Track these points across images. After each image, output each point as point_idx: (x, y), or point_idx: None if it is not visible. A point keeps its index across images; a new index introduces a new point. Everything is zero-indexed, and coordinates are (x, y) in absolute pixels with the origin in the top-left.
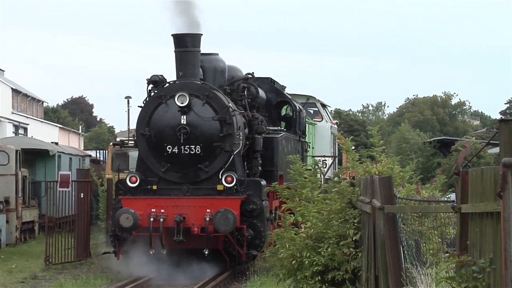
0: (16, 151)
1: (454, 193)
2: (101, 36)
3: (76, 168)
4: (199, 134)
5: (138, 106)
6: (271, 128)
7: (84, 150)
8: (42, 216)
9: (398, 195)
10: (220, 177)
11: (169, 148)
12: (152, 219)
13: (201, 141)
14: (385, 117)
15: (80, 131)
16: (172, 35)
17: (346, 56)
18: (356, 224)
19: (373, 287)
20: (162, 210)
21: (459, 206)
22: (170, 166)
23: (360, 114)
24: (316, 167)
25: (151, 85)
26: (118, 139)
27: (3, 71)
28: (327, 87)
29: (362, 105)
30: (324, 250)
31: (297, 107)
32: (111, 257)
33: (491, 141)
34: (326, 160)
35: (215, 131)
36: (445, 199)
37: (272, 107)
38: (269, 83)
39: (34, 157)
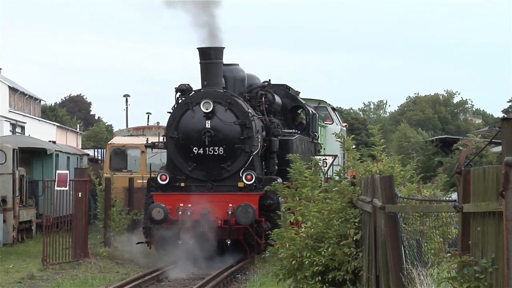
0: (13, 150)
1: (456, 193)
2: (99, 34)
3: (74, 167)
4: (222, 137)
5: (167, 112)
6: (286, 130)
7: (82, 149)
8: (39, 215)
9: (399, 195)
10: (240, 175)
11: (195, 149)
12: (180, 212)
13: (223, 143)
14: (386, 116)
15: (78, 129)
16: (197, 48)
17: (347, 53)
18: (356, 224)
19: (374, 287)
20: (189, 205)
21: (461, 205)
22: (196, 165)
23: (361, 112)
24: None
25: (178, 93)
26: (115, 138)
27: (0, 69)
28: (328, 85)
29: (363, 103)
30: (325, 250)
31: (310, 111)
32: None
33: (493, 140)
34: (326, 159)
35: (236, 134)
36: (447, 198)
37: (287, 112)
38: (284, 90)
39: (32, 156)
